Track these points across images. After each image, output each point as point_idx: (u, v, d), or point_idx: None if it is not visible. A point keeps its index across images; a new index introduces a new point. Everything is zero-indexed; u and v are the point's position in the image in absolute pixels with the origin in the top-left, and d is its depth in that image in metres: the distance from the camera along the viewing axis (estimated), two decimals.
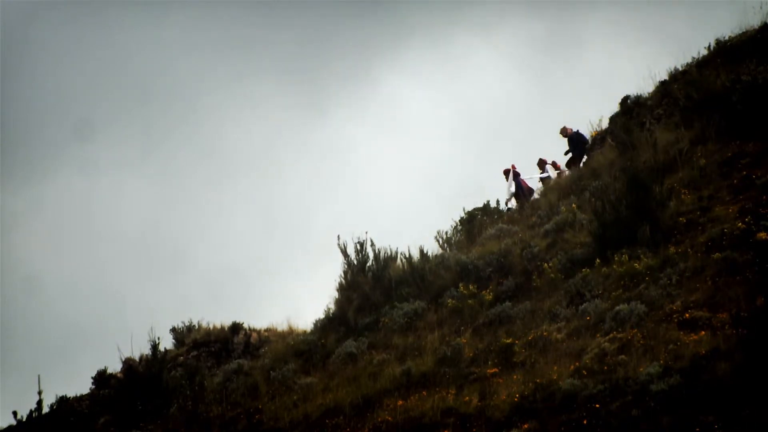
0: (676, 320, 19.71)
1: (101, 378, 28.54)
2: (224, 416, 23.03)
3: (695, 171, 25.44)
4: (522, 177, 33.95)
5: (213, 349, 29.49)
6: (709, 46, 31.03)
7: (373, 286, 26.98)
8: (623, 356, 19.03)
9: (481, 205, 32.08)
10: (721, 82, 27.63)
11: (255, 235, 68.31)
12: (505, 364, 20.88)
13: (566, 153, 33.89)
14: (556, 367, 19.68)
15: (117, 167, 72.26)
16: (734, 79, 27.20)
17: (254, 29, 74.64)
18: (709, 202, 23.88)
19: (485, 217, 31.25)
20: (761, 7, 30.19)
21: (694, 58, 31.06)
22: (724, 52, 30.20)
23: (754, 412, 16.09)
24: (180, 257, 64.67)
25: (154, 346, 26.44)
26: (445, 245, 29.91)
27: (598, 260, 23.47)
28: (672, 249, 22.38)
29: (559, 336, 21.26)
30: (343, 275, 27.61)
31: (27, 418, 24.12)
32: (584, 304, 22.00)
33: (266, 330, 30.00)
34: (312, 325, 27.60)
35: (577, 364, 19.45)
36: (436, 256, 27.74)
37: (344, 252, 27.67)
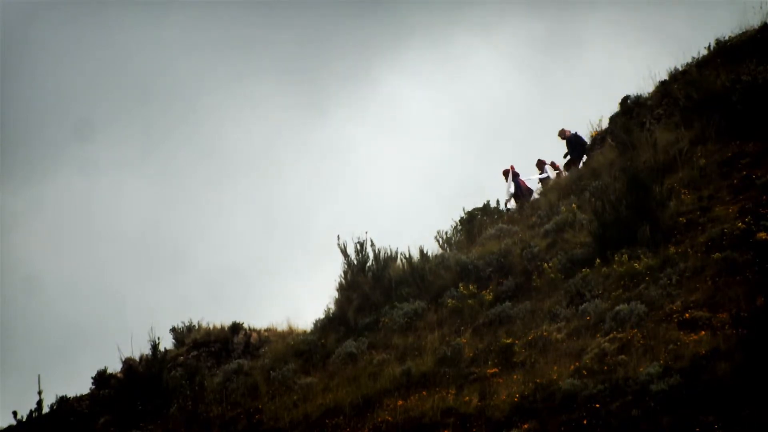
0: (676, 320, 19.71)
1: (101, 378, 28.54)
2: (224, 416, 23.03)
3: (695, 171, 25.44)
4: (521, 177, 33.93)
5: (213, 349, 29.49)
6: (709, 46, 31.06)
7: (373, 286, 26.98)
8: (623, 356, 19.03)
9: (481, 205, 32.08)
10: (721, 82, 27.63)
11: (255, 235, 68.32)
12: (505, 364, 20.88)
13: (565, 156, 33.88)
14: (556, 367, 19.68)
15: (117, 167, 72.27)
16: (734, 79, 27.20)
17: (254, 29, 74.65)
18: (709, 202, 23.88)
19: (485, 217, 31.25)
20: (761, 7, 30.22)
21: (694, 58, 31.08)
22: (724, 52, 30.20)
23: (754, 412, 16.09)
24: (180, 257, 64.69)
25: (154, 346, 26.44)
26: (445, 245, 29.91)
27: (598, 260, 23.47)
28: (672, 249, 22.38)
29: (559, 336, 21.26)
30: (343, 275, 27.62)
31: (27, 418, 24.12)
32: (584, 304, 22.00)
33: (266, 330, 30.00)
34: (312, 325, 27.62)
35: (577, 364, 19.45)
36: (436, 256, 27.74)
37: (344, 252, 27.67)
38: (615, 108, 32.10)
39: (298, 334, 28.05)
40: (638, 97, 31.53)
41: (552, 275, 24.13)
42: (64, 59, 73.84)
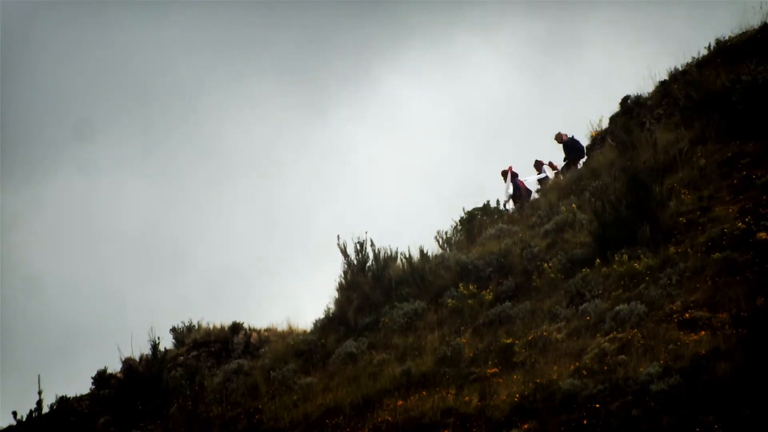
0: (676, 320, 19.71)
1: (101, 378, 28.54)
2: (224, 416, 23.03)
3: (695, 171, 25.44)
4: (520, 178, 33.92)
5: (213, 349, 29.49)
6: (709, 46, 31.06)
7: (373, 286, 26.98)
8: (623, 356, 19.03)
9: (481, 205, 32.08)
10: (721, 82, 27.63)
11: (255, 235, 68.32)
12: (505, 364, 20.88)
13: (565, 160, 33.86)
14: (556, 367, 19.68)
15: (117, 167, 72.28)
16: (734, 79, 27.20)
17: (254, 29, 74.65)
18: (709, 202, 23.88)
19: (485, 217, 31.25)
20: (761, 7, 30.22)
21: (694, 58, 31.08)
22: (724, 52, 30.20)
23: (754, 412, 16.09)
24: (180, 257, 64.69)
25: (154, 346, 26.44)
26: (445, 245, 29.91)
27: (598, 260, 23.47)
28: (672, 249, 22.38)
29: (559, 336, 21.26)
30: (343, 275, 27.62)
31: (27, 418, 24.12)
32: (584, 304, 22.00)
33: (266, 330, 30.01)
34: (312, 325, 27.62)
35: (577, 364, 19.45)
36: (436, 256, 27.74)
37: (344, 252, 27.67)
38: (615, 108, 32.12)
39: (298, 334, 28.05)
40: (638, 97, 31.54)
41: (552, 275, 24.13)
42: (64, 59, 73.86)
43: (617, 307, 20.87)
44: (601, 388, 18.09)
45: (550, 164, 34.38)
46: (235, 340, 29.58)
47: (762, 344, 17.31)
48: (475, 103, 75.00)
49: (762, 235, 20.93)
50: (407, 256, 27.42)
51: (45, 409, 24.51)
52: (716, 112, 26.84)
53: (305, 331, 27.78)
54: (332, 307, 27.43)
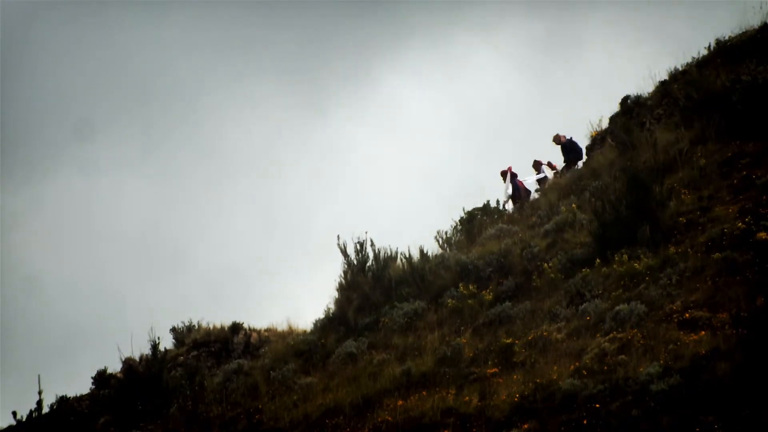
0: (676, 320, 19.71)
1: (101, 378, 28.55)
2: (224, 416, 23.03)
3: (695, 171, 25.44)
4: (519, 178, 33.92)
5: (213, 349, 29.49)
6: (709, 46, 31.06)
7: (373, 286, 26.98)
8: (623, 356, 19.03)
9: (481, 205, 32.08)
10: (721, 82, 27.64)
11: (255, 235, 68.32)
12: (505, 364, 20.88)
13: (564, 161, 33.84)
14: (556, 367, 19.68)
15: (117, 167, 72.28)
16: (734, 79, 27.21)
17: (254, 29, 74.65)
18: (709, 202, 23.88)
19: (485, 217, 31.24)
20: (761, 7, 30.22)
21: (694, 58, 31.08)
22: (724, 52, 30.20)
23: (754, 412, 16.09)
24: (180, 257, 64.69)
25: (154, 346, 26.44)
26: (445, 245, 29.91)
27: (598, 260, 23.47)
28: (672, 249, 22.38)
29: (559, 336, 21.26)
30: (343, 275, 27.62)
31: (27, 418, 24.11)
32: (584, 304, 22.00)
33: (266, 330, 30.01)
34: (312, 325, 27.62)
35: (577, 364, 19.45)
36: (436, 256, 27.74)
37: (344, 252, 27.67)
38: (615, 108, 32.11)
39: (298, 334, 28.05)
40: (638, 97, 31.53)
41: (552, 275, 24.13)
42: (64, 59, 73.86)
43: (617, 307, 20.87)
44: (601, 388, 18.09)
45: (549, 164, 34.38)
46: (235, 340, 29.58)
47: (762, 344, 17.31)
48: (475, 103, 75.01)
49: (762, 235, 20.93)
50: (407, 256, 27.42)
51: (45, 409, 24.51)
52: (716, 112, 26.84)
53: (305, 331, 27.78)
54: (332, 307, 27.44)
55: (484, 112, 74.00)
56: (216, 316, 30.89)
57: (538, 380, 19.20)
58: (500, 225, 29.17)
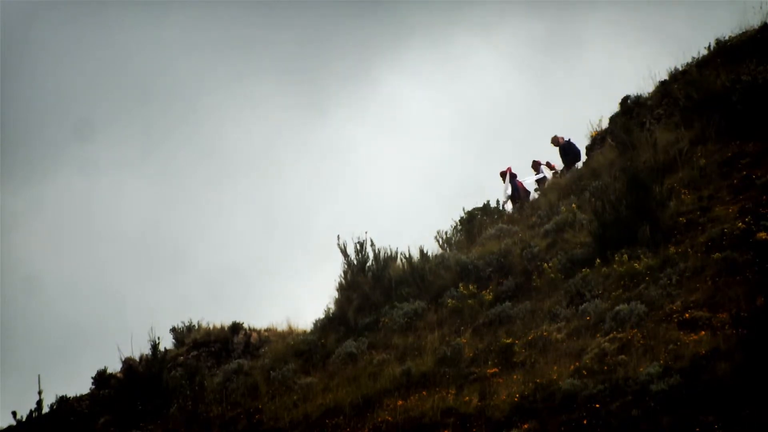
0: (676, 320, 19.71)
1: (101, 378, 28.54)
2: (224, 416, 23.03)
3: (695, 171, 25.44)
4: (518, 179, 33.92)
5: (213, 349, 29.49)
6: (709, 46, 31.06)
7: (373, 286, 26.98)
8: (623, 356, 19.03)
9: (481, 205, 32.08)
10: (721, 82, 27.63)
11: (255, 235, 68.33)
12: (505, 364, 20.88)
13: (562, 163, 33.83)
14: (556, 367, 19.68)
15: (117, 167, 72.29)
16: (734, 79, 27.20)
17: (254, 29, 74.67)
18: (709, 202, 23.88)
19: (485, 217, 31.24)
20: (761, 7, 30.22)
21: (694, 58, 31.08)
22: (724, 52, 30.20)
23: (754, 412, 16.09)
24: (180, 257, 64.70)
25: (154, 346, 26.44)
26: (445, 245, 29.91)
27: (598, 260, 23.47)
28: (672, 249, 22.38)
29: (559, 336, 21.26)
30: (343, 275, 27.61)
31: (27, 418, 24.11)
32: (584, 304, 22.00)
33: (266, 330, 30.00)
34: (312, 325, 27.61)
35: (577, 364, 19.45)
36: (436, 256, 27.73)
37: (344, 252, 27.67)
38: (615, 108, 32.11)
39: (298, 334, 28.05)
40: (638, 97, 31.53)
41: (552, 275, 24.13)
42: (64, 59, 73.88)
43: (617, 307, 20.87)
44: (601, 388, 18.09)
45: (548, 164, 34.37)
46: (235, 340, 29.58)
47: (762, 344, 17.31)
48: (475, 103, 75.02)
49: (762, 235, 20.93)
50: (407, 256, 27.42)
51: (45, 409, 24.50)
52: (716, 112, 26.84)
53: (305, 331, 27.77)
54: (332, 307, 27.44)
55: (484, 112, 74.03)
56: (216, 316, 30.92)
57: (538, 380, 19.20)
58: (500, 225, 29.17)
